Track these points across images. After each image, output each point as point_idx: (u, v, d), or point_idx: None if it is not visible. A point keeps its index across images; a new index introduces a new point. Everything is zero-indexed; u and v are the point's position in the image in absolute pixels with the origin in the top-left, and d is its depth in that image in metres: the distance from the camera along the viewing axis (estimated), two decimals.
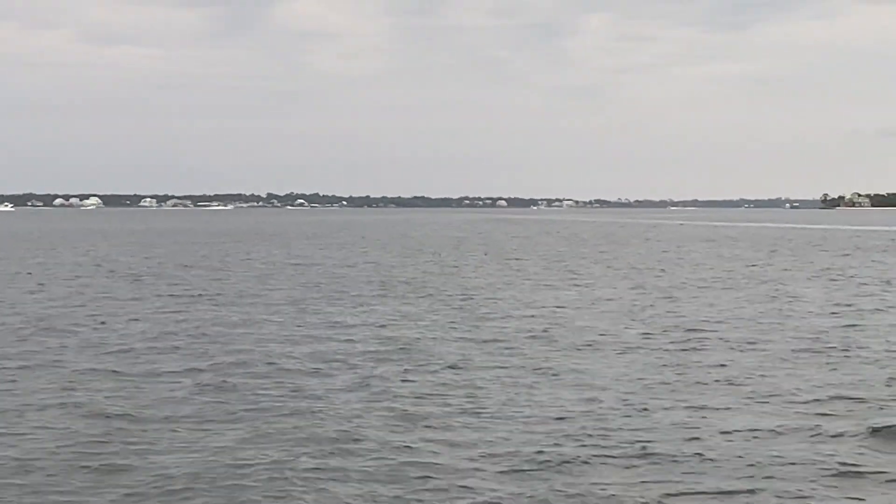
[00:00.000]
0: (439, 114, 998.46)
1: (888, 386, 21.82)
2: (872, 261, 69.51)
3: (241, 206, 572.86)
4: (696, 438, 17.16)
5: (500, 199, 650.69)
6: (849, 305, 38.54)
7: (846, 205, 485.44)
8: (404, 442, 16.79)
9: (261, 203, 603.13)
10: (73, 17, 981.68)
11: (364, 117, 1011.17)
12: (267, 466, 15.27)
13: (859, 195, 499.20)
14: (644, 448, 16.42)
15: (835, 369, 23.95)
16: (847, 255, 77.99)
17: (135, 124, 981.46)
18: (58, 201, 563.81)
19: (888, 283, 49.94)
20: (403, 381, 22.25)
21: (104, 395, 20.62)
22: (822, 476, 15.08)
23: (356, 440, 16.86)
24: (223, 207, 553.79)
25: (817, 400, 20.25)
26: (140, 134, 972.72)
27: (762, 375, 23.02)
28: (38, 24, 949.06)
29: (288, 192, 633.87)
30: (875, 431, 17.61)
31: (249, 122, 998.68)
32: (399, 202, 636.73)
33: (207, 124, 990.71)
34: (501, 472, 15.18)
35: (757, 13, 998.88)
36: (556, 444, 16.66)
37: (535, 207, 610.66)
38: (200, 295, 42.27)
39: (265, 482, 14.57)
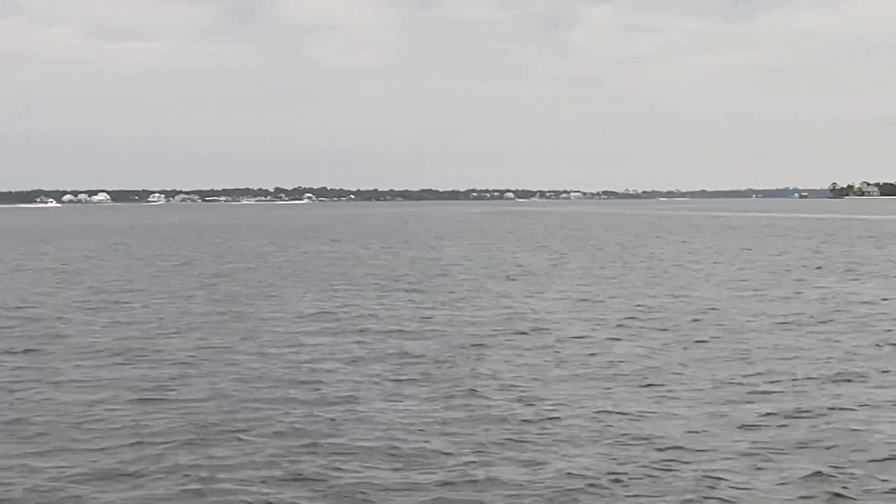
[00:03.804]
0: (444, 106, 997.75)
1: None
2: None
3: (323, 200, 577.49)
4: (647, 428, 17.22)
5: (508, 191, 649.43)
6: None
7: (855, 194, 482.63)
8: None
9: (269, 197, 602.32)
10: (79, 13, 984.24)
11: (369, 110, 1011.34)
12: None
13: (868, 184, 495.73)
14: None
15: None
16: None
17: (141, 119, 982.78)
18: (66, 197, 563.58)
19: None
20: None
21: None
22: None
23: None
24: (299, 202, 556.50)
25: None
26: (146, 129, 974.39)
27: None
28: (44, 21, 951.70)
29: (296, 186, 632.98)
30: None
31: (256, 115, 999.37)
32: (407, 195, 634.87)
33: (214, 119, 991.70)
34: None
35: (761, 3, 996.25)
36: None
37: (519, 200, 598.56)
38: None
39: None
